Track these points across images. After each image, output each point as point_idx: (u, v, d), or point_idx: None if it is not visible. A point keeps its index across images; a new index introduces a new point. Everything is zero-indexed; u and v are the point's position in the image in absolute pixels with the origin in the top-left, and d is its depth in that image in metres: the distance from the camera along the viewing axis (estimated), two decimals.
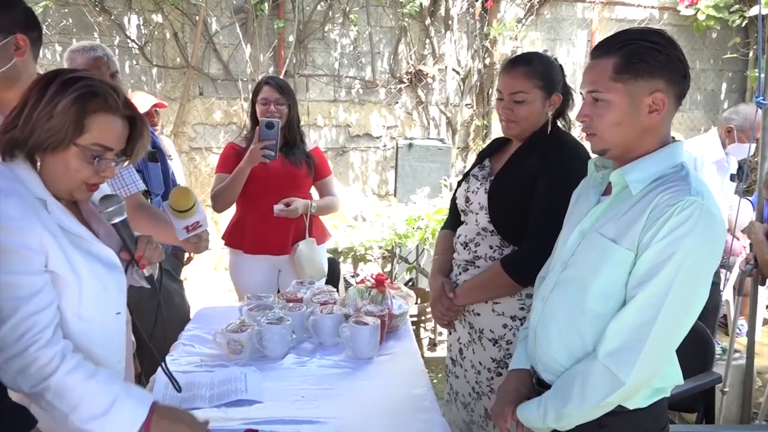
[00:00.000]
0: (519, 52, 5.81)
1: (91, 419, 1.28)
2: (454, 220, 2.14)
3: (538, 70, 1.90)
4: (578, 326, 1.38)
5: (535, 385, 1.51)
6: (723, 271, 4.02)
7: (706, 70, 6.44)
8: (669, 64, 1.32)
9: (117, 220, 1.42)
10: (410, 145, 4.66)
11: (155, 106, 3.45)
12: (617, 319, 1.31)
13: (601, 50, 1.37)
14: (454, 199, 2.14)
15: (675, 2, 5.99)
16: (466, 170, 2.16)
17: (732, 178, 3.52)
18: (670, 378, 1.40)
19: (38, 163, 1.34)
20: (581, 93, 1.42)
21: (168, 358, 1.97)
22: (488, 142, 2.27)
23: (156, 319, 1.53)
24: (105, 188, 1.51)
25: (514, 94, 1.89)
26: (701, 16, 5.77)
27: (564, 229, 1.56)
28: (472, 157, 5.51)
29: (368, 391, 1.76)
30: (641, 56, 1.31)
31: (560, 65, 1.99)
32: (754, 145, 3.33)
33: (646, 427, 1.40)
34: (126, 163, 1.44)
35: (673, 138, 1.41)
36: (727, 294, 4.01)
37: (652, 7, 6.04)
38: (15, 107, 1.33)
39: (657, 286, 1.26)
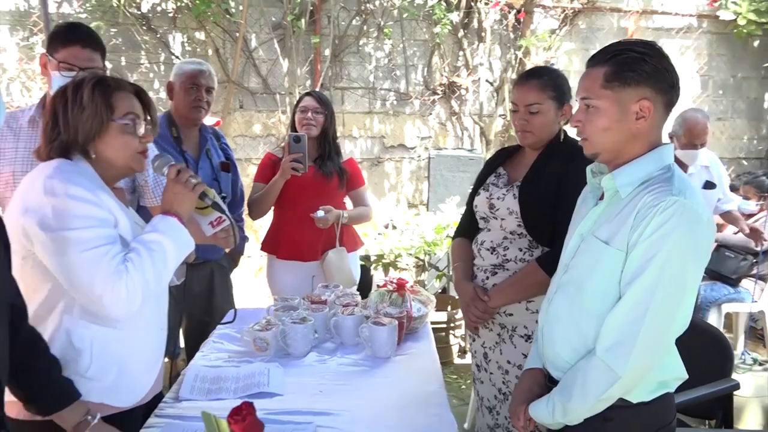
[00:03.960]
0: (553, 63, 5.84)
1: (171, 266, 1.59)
2: (469, 227, 2.22)
3: (549, 83, 2.01)
4: (579, 325, 1.45)
5: (547, 383, 1.58)
6: (759, 282, 3.97)
7: (749, 78, 6.31)
8: (656, 73, 1.40)
9: (167, 169, 1.66)
10: (445, 156, 4.75)
11: (215, 125, 3.66)
12: (611, 316, 1.38)
13: (594, 60, 1.46)
14: (471, 208, 2.22)
15: (714, 9, 5.92)
16: (478, 179, 2.25)
17: (707, 185, 3.46)
18: (671, 371, 1.45)
19: (93, 156, 1.56)
20: (576, 100, 1.50)
21: (198, 354, 2.11)
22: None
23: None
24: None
25: (529, 106, 2.00)
26: (741, 22, 5.68)
27: (568, 233, 1.63)
28: None
29: (383, 388, 1.84)
30: (630, 66, 1.39)
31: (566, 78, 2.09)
32: (699, 151, 3.33)
33: (651, 421, 1.45)
34: (152, 130, 1.66)
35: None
36: (763, 305, 3.94)
37: (690, 15, 5.97)
38: (46, 122, 1.56)
39: (645, 282, 1.33)
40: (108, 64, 5.09)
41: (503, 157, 2.21)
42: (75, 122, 1.52)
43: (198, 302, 2.70)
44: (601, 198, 1.52)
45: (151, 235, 1.55)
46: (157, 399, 1.75)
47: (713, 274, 3.96)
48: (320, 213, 2.77)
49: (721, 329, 3.81)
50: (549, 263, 1.89)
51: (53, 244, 1.43)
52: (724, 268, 3.93)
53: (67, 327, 1.50)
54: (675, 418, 1.51)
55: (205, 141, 2.71)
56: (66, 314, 1.50)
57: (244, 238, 2.66)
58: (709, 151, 3.56)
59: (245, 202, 2.99)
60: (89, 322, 1.51)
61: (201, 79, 2.63)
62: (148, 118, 1.64)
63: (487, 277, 2.09)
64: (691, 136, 3.28)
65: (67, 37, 2.06)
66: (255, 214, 2.90)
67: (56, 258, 1.44)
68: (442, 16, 5.27)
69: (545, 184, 1.98)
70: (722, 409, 2.23)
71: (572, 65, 5.79)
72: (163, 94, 3.72)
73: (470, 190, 4.06)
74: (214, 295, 2.78)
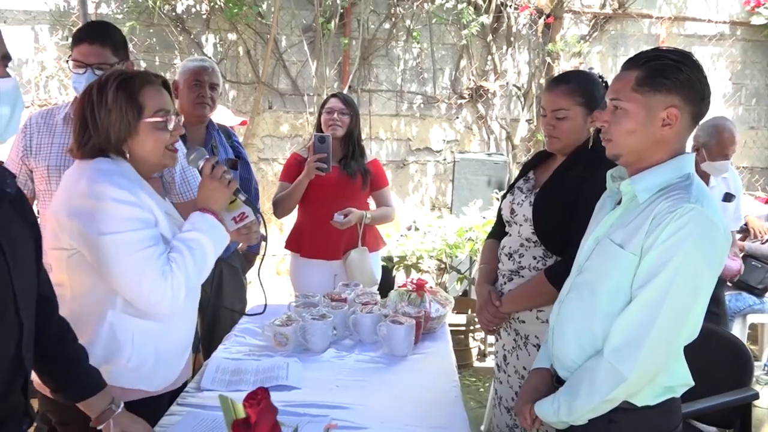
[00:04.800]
0: (582, 68, 5.81)
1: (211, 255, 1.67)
2: (499, 230, 2.23)
3: (578, 88, 1.98)
4: (590, 325, 1.47)
5: (555, 383, 1.60)
6: None
7: None
8: (688, 83, 1.40)
9: (202, 162, 1.70)
10: (470, 159, 4.77)
11: (241, 124, 3.71)
12: (621, 318, 1.40)
13: (629, 63, 1.47)
14: (500, 210, 2.23)
15: (747, 17, 5.83)
16: (512, 182, 2.26)
17: (726, 198, 3.30)
18: (677, 377, 1.46)
19: (127, 154, 1.61)
20: (606, 100, 1.52)
21: (220, 347, 2.17)
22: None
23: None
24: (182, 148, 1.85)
25: (555, 111, 1.99)
26: None
27: (585, 237, 1.65)
28: None
29: (398, 385, 1.88)
30: (663, 72, 1.40)
31: (605, 83, 2.05)
32: (728, 162, 3.16)
33: (655, 425, 1.46)
34: (181, 120, 1.69)
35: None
36: None
37: (723, 22, 5.89)
38: (75, 123, 1.59)
39: (657, 286, 1.34)
40: (142, 63, 5.26)
41: (538, 161, 2.21)
42: (104, 125, 1.55)
43: (205, 301, 2.75)
44: (619, 203, 1.53)
45: (191, 234, 1.62)
46: (184, 387, 1.82)
47: (739, 283, 3.91)
48: (339, 218, 2.83)
49: (746, 340, 3.77)
50: (556, 275, 1.87)
51: (102, 248, 1.50)
52: (751, 278, 3.87)
53: (111, 321, 1.58)
54: (680, 424, 1.52)
55: (211, 137, 2.75)
56: (110, 309, 1.58)
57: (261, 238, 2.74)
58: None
59: (259, 200, 3.04)
60: (131, 316, 1.58)
61: (204, 76, 2.66)
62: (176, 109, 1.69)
63: (505, 283, 2.12)
64: (725, 146, 3.13)
65: (77, 36, 2.13)
66: (279, 213, 2.96)
67: (105, 260, 1.51)
68: (471, 19, 5.30)
69: (565, 191, 1.96)
70: (740, 419, 2.22)
71: (601, 71, 5.75)
72: None
73: (494, 194, 4.05)
74: (223, 294, 2.82)
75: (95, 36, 2.10)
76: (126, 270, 1.51)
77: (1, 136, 1.18)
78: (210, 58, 5.26)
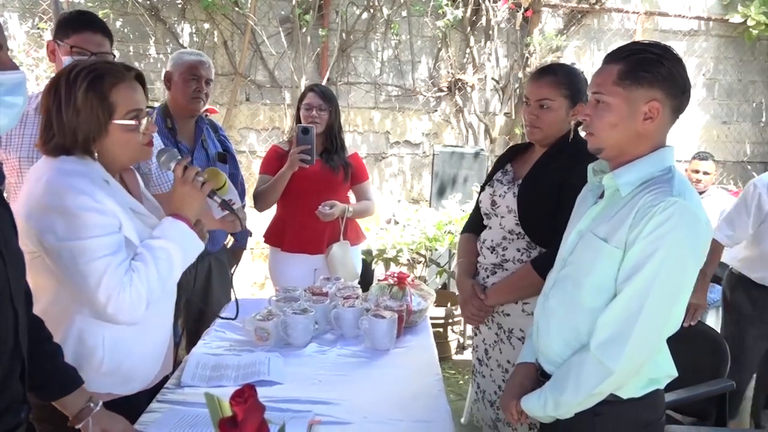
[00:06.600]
0: (574, 63, 5.83)
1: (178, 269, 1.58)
2: (476, 224, 2.23)
3: (563, 80, 2.00)
4: (574, 320, 1.48)
5: (540, 377, 1.61)
6: None
7: (755, 82, 6.32)
8: (670, 77, 1.41)
9: (173, 164, 1.61)
10: (449, 152, 4.78)
11: (207, 111, 3.66)
12: (606, 312, 1.40)
13: (611, 57, 1.48)
14: (477, 204, 2.23)
15: (722, 13, 5.92)
16: (488, 175, 2.26)
17: None
18: (662, 369, 1.48)
19: (95, 155, 1.52)
20: (587, 95, 1.52)
21: (200, 342, 2.14)
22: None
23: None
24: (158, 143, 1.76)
25: (540, 101, 2.00)
26: (750, 22, 5.69)
27: (567, 230, 1.65)
28: None
29: (381, 379, 1.88)
30: (644, 66, 1.41)
31: (585, 78, 2.06)
32: None
33: (640, 417, 1.48)
34: (153, 117, 1.62)
35: None
36: None
37: (699, 18, 5.97)
38: (42, 119, 1.49)
39: (641, 280, 1.35)
40: (116, 52, 5.13)
41: (513, 154, 2.21)
42: (71, 126, 1.45)
43: (195, 298, 2.71)
44: (601, 196, 1.54)
45: (159, 242, 1.53)
46: (164, 382, 1.79)
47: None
48: (325, 209, 2.80)
49: (719, 331, 3.84)
50: (543, 265, 1.88)
51: (59, 254, 1.42)
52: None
53: (79, 326, 1.52)
54: (664, 415, 1.54)
55: (201, 132, 2.73)
56: (78, 314, 1.51)
57: (247, 233, 2.73)
58: None
59: (246, 195, 3.00)
60: (100, 320, 1.51)
61: (201, 71, 2.64)
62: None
63: (488, 276, 2.11)
64: None
65: (78, 22, 2.10)
66: (261, 206, 2.92)
67: (62, 266, 1.44)
68: (447, 12, 5.28)
69: (546, 183, 1.97)
70: (716, 409, 2.26)
71: (578, 65, 5.80)
72: None
73: (474, 187, 4.06)
74: (212, 289, 2.78)
75: (99, 26, 2.11)
76: (82, 279, 1.42)
77: (11, 123, 1.17)
78: (198, 51, 5.17)
